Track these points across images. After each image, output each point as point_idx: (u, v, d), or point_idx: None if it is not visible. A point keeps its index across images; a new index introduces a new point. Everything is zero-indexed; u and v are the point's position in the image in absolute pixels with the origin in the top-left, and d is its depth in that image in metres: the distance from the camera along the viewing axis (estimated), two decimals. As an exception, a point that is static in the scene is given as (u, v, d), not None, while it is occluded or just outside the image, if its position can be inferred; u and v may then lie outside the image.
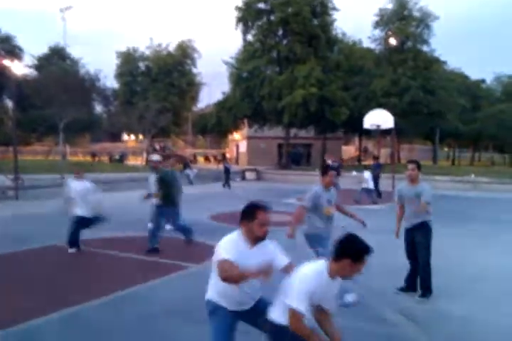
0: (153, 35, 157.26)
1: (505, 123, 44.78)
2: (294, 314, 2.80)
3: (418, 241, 5.76)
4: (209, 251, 7.80)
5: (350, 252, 2.81)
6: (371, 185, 16.32)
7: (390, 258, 6.73)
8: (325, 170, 5.79)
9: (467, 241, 9.24)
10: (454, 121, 40.62)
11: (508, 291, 5.99)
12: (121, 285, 5.82)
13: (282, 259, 3.17)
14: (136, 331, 4.46)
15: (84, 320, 4.74)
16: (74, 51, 39.26)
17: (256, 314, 3.17)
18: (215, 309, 3.19)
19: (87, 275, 6.38)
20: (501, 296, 5.79)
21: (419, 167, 5.87)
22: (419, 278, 5.79)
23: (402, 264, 5.96)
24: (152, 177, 8.16)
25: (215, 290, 3.17)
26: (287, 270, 3.11)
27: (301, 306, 2.78)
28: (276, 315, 2.97)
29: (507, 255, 8.05)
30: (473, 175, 24.44)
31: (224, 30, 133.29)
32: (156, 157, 8.61)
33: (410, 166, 5.83)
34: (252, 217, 3.06)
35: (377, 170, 18.22)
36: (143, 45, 48.71)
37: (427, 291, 5.66)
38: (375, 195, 16.86)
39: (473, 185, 22.71)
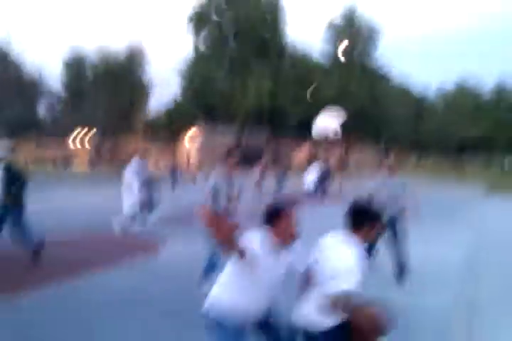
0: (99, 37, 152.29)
1: (446, 134, 47.53)
2: (345, 297, 2.48)
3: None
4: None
5: (370, 216, 2.83)
6: (312, 186, 17.40)
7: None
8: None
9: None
10: (399, 131, 42.53)
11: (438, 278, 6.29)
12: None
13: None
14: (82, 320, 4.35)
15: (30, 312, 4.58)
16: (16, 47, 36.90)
17: (268, 322, 2.80)
18: (224, 320, 2.63)
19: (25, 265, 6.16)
20: (431, 284, 6.07)
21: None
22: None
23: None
24: None
25: (228, 297, 2.66)
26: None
27: (354, 285, 2.51)
28: (319, 318, 2.57)
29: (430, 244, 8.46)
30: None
31: (173, 33, 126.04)
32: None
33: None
34: (274, 221, 2.62)
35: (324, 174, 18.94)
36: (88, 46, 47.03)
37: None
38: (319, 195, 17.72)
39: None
